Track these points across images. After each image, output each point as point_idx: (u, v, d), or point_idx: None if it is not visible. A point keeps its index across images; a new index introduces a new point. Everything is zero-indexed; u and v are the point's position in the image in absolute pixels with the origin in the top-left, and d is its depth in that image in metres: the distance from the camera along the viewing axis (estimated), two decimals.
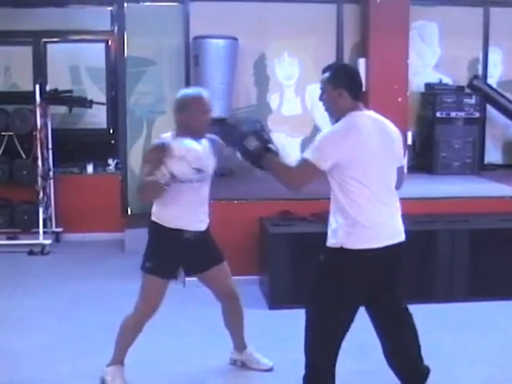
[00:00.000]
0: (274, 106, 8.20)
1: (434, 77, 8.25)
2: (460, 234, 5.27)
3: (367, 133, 3.19)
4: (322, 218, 5.60)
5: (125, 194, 7.98)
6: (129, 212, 7.99)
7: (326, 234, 5.27)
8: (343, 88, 3.22)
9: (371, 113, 3.32)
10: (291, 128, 8.24)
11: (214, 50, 7.40)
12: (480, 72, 8.40)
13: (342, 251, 3.22)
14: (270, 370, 4.20)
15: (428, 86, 8.12)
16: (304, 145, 8.25)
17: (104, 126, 8.21)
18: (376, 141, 3.21)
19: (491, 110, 8.32)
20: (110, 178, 7.95)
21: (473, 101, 7.85)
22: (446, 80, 8.27)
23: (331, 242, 3.27)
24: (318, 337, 3.34)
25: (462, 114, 7.80)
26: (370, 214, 3.18)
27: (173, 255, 3.77)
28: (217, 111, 7.44)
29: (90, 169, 8.01)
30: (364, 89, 7.63)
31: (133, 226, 7.25)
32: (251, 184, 6.94)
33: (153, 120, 7.99)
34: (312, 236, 5.31)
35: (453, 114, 7.75)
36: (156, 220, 3.77)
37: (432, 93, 7.91)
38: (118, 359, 3.86)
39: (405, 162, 3.54)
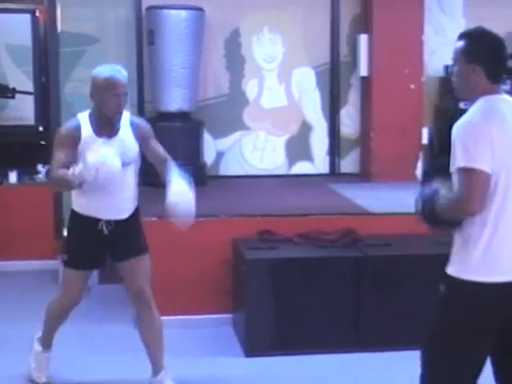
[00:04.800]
0: (252, 96, 8.33)
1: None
2: None
3: (505, 122, 3.23)
4: (312, 239, 5.75)
5: (59, 211, 7.99)
6: (64, 234, 7.99)
7: (316, 258, 5.44)
8: (479, 64, 3.26)
9: (510, 98, 3.35)
10: (273, 124, 8.36)
11: (173, 23, 7.51)
12: None
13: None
14: None
15: (449, 68, 8.26)
16: (290, 145, 8.37)
17: (31, 122, 8.28)
18: None
19: None
20: (40, 189, 7.87)
21: (507, 87, 7.99)
22: None
23: None
24: None
25: None
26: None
27: (88, 245, 4.47)
28: (178, 102, 7.70)
29: (12, 177, 8.04)
30: (366, 73, 8.05)
31: None
32: (221, 196, 7.05)
33: None
34: (300, 262, 5.45)
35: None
36: (73, 208, 4.52)
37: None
38: (44, 342, 4.83)
39: None
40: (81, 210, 4.46)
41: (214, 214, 6.06)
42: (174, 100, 7.58)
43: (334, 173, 8.46)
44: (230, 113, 8.24)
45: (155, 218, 5.80)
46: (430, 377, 3.38)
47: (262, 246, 5.65)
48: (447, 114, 8.12)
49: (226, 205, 6.61)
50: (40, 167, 8.13)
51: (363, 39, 8.04)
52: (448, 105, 8.10)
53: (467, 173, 3.13)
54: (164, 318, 5.67)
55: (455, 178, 3.21)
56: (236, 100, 8.27)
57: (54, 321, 4.79)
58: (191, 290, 5.70)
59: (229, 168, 8.28)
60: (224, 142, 8.28)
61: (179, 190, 4.25)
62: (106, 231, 4.42)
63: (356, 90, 8.42)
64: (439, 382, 3.38)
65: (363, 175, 8.23)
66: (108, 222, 4.42)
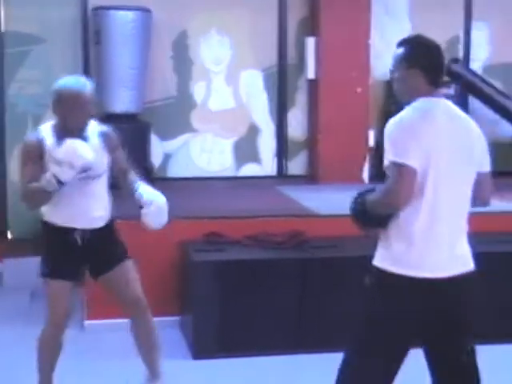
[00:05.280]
0: (199, 99, 8.31)
1: None
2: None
3: (437, 122, 3.33)
4: (259, 241, 5.75)
5: (3, 213, 7.91)
6: (9, 236, 7.92)
7: (264, 260, 5.45)
8: (418, 68, 3.38)
9: (448, 102, 3.45)
10: (221, 126, 8.36)
11: (120, 24, 7.48)
12: (461, 54, 8.70)
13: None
14: None
15: (390, 74, 8.32)
16: (237, 147, 8.37)
17: None
18: (448, 139, 3.32)
19: (474, 102, 8.61)
20: None
21: (451, 91, 8.11)
22: None
23: None
24: None
25: None
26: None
27: (66, 255, 4.24)
28: (125, 104, 7.65)
29: None
30: (314, 76, 8.09)
31: (14, 253, 7.22)
32: (169, 198, 6.96)
33: (40, 116, 7.91)
34: (248, 264, 5.44)
35: None
36: (46, 220, 4.29)
37: None
38: None
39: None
40: (54, 221, 4.25)
41: None
42: (121, 101, 7.54)
43: (282, 175, 8.48)
44: (177, 115, 8.21)
45: None
46: (351, 369, 3.44)
47: (210, 249, 5.64)
48: (393, 117, 8.19)
49: (173, 207, 6.51)
50: None
51: (310, 42, 8.08)
52: (394, 108, 8.12)
53: (395, 167, 3.24)
54: (109, 321, 5.72)
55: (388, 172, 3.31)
56: (183, 102, 8.25)
57: (50, 352, 4.35)
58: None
59: (176, 170, 8.25)
60: (171, 144, 8.25)
61: (152, 191, 4.28)
62: (80, 241, 4.25)
63: (303, 93, 8.45)
64: (360, 376, 3.42)
65: (310, 177, 8.26)
66: (83, 231, 4.25)
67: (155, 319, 5.68)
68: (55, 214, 4.24)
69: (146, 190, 4.28)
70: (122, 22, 7.46)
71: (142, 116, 7.81)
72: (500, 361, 5.10)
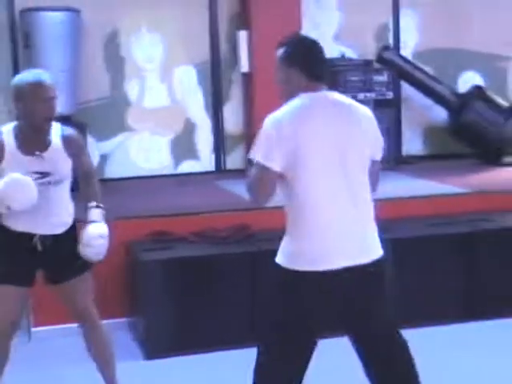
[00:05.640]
0: (134, 97, 8.27)
1: (334, 50, 8.52)
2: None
3: (311, 117, 3.34)
4: (207, 238, 5.73)
5: None
6: None
7: (212, 256, 5.42)
8: (297, 66, 3.41)
9: (331, 94, 3.46)
10: (157, 124, 8.32)
11: (49, 26, 7.38)
12: (391, 41, 8.81)
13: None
14: None
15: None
16: (175, 144, 8.33)
17: None
18: (325, 128, 3.35)
19: (406, 88, 8.73)
20: None
21: (384, 78, 8.19)
22: (350, 53, 8.62)
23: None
24: None
25: (371, 95, 8.14)
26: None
27: (21, 260, 4.04)
28: (58, 106, 7.46)
29: None
30: (248, 69, 8.07)
31: None
32: (109, 199, 6.88)
33: None
34: (196, 261, 5.42)
35: (360, 96, 8.03)
36: (3, 223, 4.06)
37: (333, 70, 8.16)
38: None
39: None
40: (13, 226, 4.04)
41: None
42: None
43: (220, 170, 8.47)
44: (112, 115, 8.15)
45: None
46: (262, 368, 3.48)
47: (157, 247, 5.58)
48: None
49: (114, 208, 6.47)
50: None
51: (242, 35, 8.08)
52: None
53: (257, 167, 3.32)
54: (57, 326, 5.63)
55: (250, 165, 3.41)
56: (118, 101, 8.19)
57: None
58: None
59: (114, 170, 8.17)
60: (108, 145, 8.19)
61: (97, 225, 4.04)
62: (40, 247, 4.06)
63: (238, 87, 8.46)
64: (269, 373, 3.47)
65: (248, 171, 8.23)
66: (44, 237, 4.05)
67: (104, 322, 5.69)
68: (14, 219, 4.02)
69: (94, 219, 4.06)
70: (51, 24, 7.37)
71: (77, 117, 7.69)
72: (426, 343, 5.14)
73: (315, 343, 3.44)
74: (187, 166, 8.42)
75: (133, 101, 8.25)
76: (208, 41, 8.34)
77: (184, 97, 8.36)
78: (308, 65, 3.43)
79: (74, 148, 4.04)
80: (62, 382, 4.99)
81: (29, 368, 5.14)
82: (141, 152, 8.28)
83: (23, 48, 7.56)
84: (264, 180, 3.32)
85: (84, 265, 4.15)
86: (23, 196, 3.84)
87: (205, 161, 8.47)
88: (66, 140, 4.01)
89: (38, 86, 3.84)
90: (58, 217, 4.11)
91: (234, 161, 8.48)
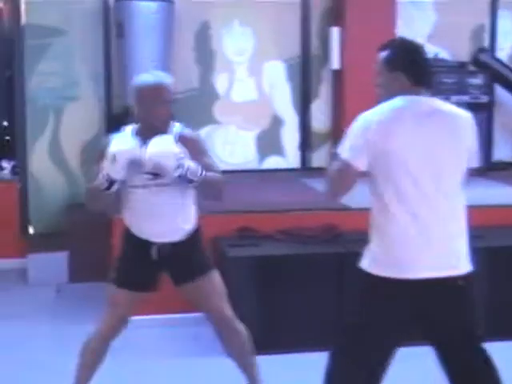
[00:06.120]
0: (222, 90, 8.22)
1: (427, 50, 8.31)
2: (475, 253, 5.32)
3: (402, 121, 3.28)
4: (293, 236, 5.65)
5: (25, 208, 7.84)
6: (30, 231, 7.85)
7: (299, 255, 5.34)
8: (401, 71, 3.35)
9: (430, 99, 3.38)
10: (245, 118, 8.26)
11: (143, 15, 7.36)
12: (487, 43, 8.59)
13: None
14: None
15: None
16: (260, 140, 8.27)
17: None
18: (416, 133, 3.27)
19: (500, 92, 8.51)
20: (5, 185, 7.82)
21: (479, 81, 8.01)
22: (444, 54, 8.43)
23: None
24: None
25: (465, 99, 7.97)
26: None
27: (137, 266, 4.02)
28: None
29: None
30: (338, 66, 7.97)
31: (37, 249, 7.16)
32: None
33: (62, 109, 7.88)
34: (283, 259, 5.35)
35: (454, 99, 7.85)
36: (127, 227, 4.06)
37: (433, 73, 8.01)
38: None
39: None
40: (136, 232, 4.02)
41: None
42: None
43: (306, 167, 8.37)
44: (200, 107, 8.12)
45: None
46: (336, 369, 3.43)
47: (243, 243, 5.54)
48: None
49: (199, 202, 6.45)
50: (5, 163, 8.00)
51: (335, 32, 7.98)
52: None
53: (341, 162, 3.30)
54: (142, 317, 5.61)
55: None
56: (206, 94, 8.15)
57: (90, 362, 4.09)
58: (168, 287, 5.54)
59: None
60: None
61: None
62: (155, 256, 3.99)
63: (327, 84, 8.34)
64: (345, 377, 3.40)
65: None
66: (162, 246, 3.97)
67: (187, 316, 5.67)
68: (135, 225, 4.01)
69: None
70: (145, 14, 7.35)
71: None
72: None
73: (393, 351, 3.36)
74: (272, 162, 8.35)
75: (221, 94, 8.21)
76: (299, 36, 8.24)
77: (272, 92, 8.29)
78: (412, 70, 3.36)
79: (194, 148, 3.90)
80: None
81: (112, 355, 5.14)
82: (226, 146, 8.24)
83: (116, 37, 7.58)
84: (345, 176, 3.32)
85: (206, 265, 4.12)
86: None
87: (290, 157, 8.38)
88: (183, 140, 3.88)
89: (157, 88, 3.84)
90: (178, 224, 3.99)
91: (319, 159, 8.35)
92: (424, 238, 3.27)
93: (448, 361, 3.45)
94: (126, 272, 4.04)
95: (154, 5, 7.36)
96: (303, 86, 8.30)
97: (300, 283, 5.29)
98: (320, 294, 5.30)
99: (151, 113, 3.84)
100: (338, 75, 8.11)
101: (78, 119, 7.85)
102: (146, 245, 3.99)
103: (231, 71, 8.22)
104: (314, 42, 8.29)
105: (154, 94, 3.82)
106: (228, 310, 4.19)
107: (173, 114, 3.95)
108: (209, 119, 8.17)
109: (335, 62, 8.04)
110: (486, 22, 8.60)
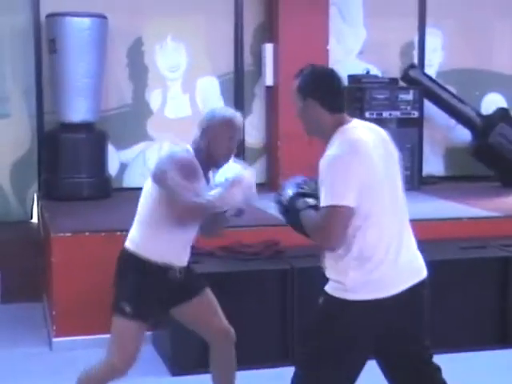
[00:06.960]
0: (156, 107, 8.19)
1: (358, 66, 8.47)
2: None
3: (369, 150, 3.26)
4: (235, 252, 5.61)
5: None
6: None
7: (241, 272, 5.30)
8: (312, 98, 3.31)
9: (367, 124, 3.40)
10: (178, 134, 8.17)
11: (75, 31, 7.29)
12: (416, 60, 8.73)
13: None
14: None
15: (352, 78, 8.30)
16: None
17: None
18: (380, 161, 3.28)
19: (429, 108, 8.65)
20: None
21: (410, 96, 8.10)
22: (374, 70, 8.52)
23: None
24: None
25: (396, 114, 8.05)
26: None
27: (156, 295, 3.90)
28: (82, 113, 7.44)
29: None
30: (272, 82, 7.99)
31: None
32: (127, 209, 6.76)
33: None
34: (225, 276, 5.29)
35: (385, 114, 7.97)
36: (138, 252, 3.90)
37: (359, 87, 8.08)
38: None
39: None
40: (153, 258, 3.89)
41: (125, 229, 5.80)
42: (78, 110, 7.37)
43: None
44: (133, 123, 8.08)
45: (69, 234, 5.62)
46: None
47: None
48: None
49: (133, 218, 6.35)
50: None
51: (268, 48, 8.02)
52: (353, 114, 8.08)
53: (330, 209, 3.15)
54: (80, 337, 5.52)
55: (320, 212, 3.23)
56: (139, 110, 8.11)
57: None
58: (107, 307, 5.46)
59: (132, 180, 8.06)
60: (127, 153, 8.10)
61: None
62: (179, 275, 3.95)
63: (260, 100, 8.38)
64: None
65: (270, 185, 8.13)
66: (180, 269, 3.96)
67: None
68: (155, 249, 3.89)
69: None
70: (78, 29, 7.27)
71: (98, 125, 7.61)
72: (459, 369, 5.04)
73: (360, 369, 3.35)
74: None
75: (154, 110, 8.17)
76: (232, 52, 8.27)
77: (206, 108, 8.19)
78: (322, 96, 3.32)
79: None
80: None
81: (50, 379, 5.03)
82: None
83: (49, 53, 7.47)
84: (338, 221, 3.15)
85: (202, 282, 4.16)
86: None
87: None
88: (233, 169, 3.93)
89: (231, 123, 3.88)
90: (190, 247, 4.05)
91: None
92: (400, 258, 3.30)
93: (396, 372, 3.46)
94: (142, 302, 3.86)
95: (86, 20, 7.29)
96: (236, 101, 8.31)
97: (243, 301, 5.24)
98: (264, 310, 5.28)
99: (217, 142, 3.86)
100: (271, 91, 8.14)
101: (9, 136, 7.70)
102: (163, 269, 3.90)
103: (165, 87, 8.19)
104: (248, 58, 8.32)
105: (227, 126, 3.88)
106: (226, 321, 4.19)
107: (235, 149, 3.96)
108: (143, 136, 8.12)
109: (268, 78, 8.07)
110: (415, 38, 8.75)
